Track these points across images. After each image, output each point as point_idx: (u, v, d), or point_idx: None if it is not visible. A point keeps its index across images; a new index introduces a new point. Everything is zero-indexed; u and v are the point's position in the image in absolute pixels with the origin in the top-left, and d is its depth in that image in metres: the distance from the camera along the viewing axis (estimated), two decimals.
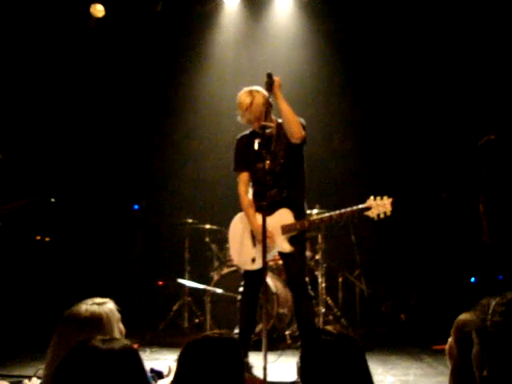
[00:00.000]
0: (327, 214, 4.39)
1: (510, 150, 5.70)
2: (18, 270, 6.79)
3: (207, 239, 6.54)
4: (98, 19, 7.13)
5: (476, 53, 6.80)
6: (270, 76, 4.20)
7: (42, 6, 6.98)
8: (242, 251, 4.50)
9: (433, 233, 6.89)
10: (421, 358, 5.20)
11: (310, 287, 4.42)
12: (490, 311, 1.70)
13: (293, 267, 4.41)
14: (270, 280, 5.74)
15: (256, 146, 4.02)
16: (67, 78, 7.45)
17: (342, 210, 4.30)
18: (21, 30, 6.97)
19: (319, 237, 6.13)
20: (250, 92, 4.38)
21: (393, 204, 4.23)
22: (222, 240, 6.30)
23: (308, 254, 5.77)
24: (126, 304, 2.69)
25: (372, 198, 4.27)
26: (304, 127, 4.37)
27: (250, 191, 4.53)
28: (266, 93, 4.31)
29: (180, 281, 6.31)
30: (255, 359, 4.36)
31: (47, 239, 7.41)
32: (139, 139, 7.76)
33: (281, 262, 5.14)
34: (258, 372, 4.19)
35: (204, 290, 6.05)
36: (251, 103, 4.32)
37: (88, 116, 7.59)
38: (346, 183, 7.10)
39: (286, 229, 4.34)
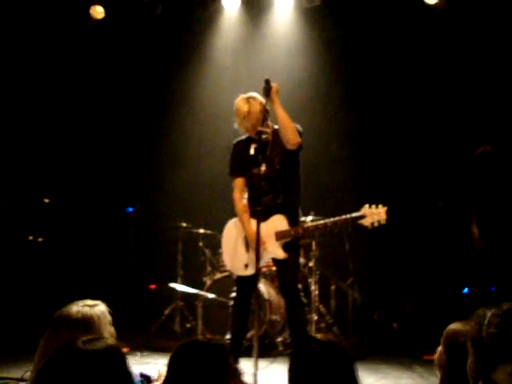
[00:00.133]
0: (322, 222, 4.38)
1: (505, 160, 5.73)
2: (10, 270, 6.76)
3: (201, 244, 6.51)
4: (98, 21, 7.12)
5: (473, 65, 6.83)
6: (267, 82, 4.21)
7: (42, 7, 6.98)
8: (235, 257, 4.49)
9: (426, 242, 6.89)
10: (412, 368, 5.17)
11: (302, 294, 4.41)
12: (486, 322, 1.69)
13: (286, 274, 4.41)
14: (263, 286, 5.72)
15: (252, 152, 4.03)
16: (65, 80, 7.44)
17: (337, 218, 4.30)
18: (21, 29, 6.97)
19: (313, 244, 6.12)
20: (247, 99, 4.37)
21: (388, 213, 4.21)
22: (215, 245, 6.26)
23: (302, 260, 5.76)
24: (117, 307, 2.67)
25: (367, 206, 4.26)
26: (300, 133, 4.36)
27: (245, 196, 4.52)
28: (262, 99, 4.31)
29: (172, 285, 6.28)
30: (246, 365, 4.33)
31: (40, 239, 7.38)
32: (135, 142, 7.75)
33: (274, 268, 5.13)
34: (248, 378, 4.16)
35: (196, 294, 6.03)
36: (249, 112, 4.32)
37: (85, 117, 7.59)
38: (342, 190, 7.08)
39: (280, 235, 4.33)
